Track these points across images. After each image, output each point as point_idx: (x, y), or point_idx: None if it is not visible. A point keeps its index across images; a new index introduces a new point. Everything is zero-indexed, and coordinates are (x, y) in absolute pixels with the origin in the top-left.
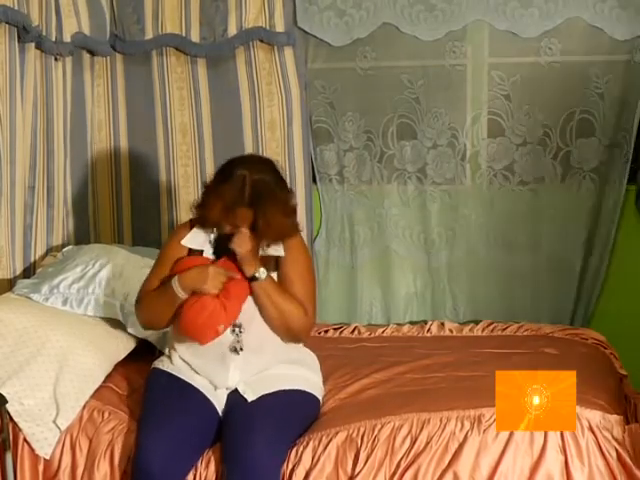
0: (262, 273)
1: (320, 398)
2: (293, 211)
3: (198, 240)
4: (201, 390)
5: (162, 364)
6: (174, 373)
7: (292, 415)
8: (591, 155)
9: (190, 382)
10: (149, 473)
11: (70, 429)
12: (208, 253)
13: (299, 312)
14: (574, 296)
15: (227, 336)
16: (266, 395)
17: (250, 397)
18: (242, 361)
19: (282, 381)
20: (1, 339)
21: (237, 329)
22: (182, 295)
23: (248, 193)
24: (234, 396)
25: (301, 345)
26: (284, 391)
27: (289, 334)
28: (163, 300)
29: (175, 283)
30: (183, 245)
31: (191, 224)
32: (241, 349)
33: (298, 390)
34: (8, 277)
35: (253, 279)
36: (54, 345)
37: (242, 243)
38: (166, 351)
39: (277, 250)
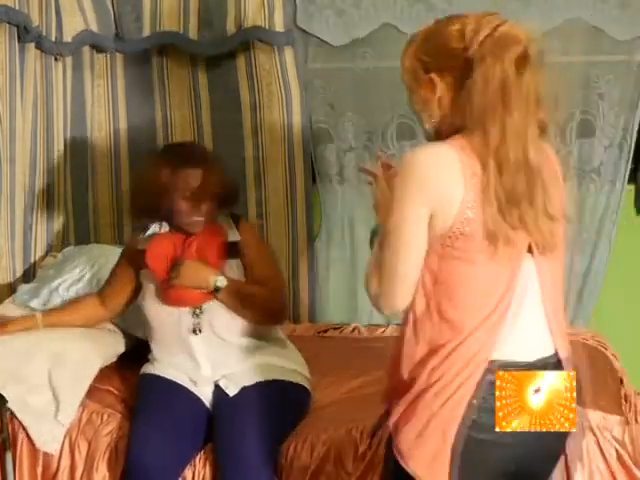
0: (221, 281)
1: (307, 386)
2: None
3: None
4: (185, 386)
5: (146, 368)
6: (158, 374)
7: (277, 406)
8: (591, 155)
9: (173, 379)
10: (143, 468)
11: (69, 431)
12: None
13: (263, 293)
14: (574, 296)
15: (187, 321)
16: (247, 388)
17: (231, 391)
18: (202, 342)
19: (261, 373)
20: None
21: (197, 310)
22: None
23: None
24: (217, 392)
25: (274, 331)
26: (265, 382)
27: (268, 317)
28: None
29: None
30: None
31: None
32: (200, 330)
33: (280, 380)
34: (8, 277)
35: (217, 289)
36: (46, 344)
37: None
38: (149, 356)
39: (234, 235)
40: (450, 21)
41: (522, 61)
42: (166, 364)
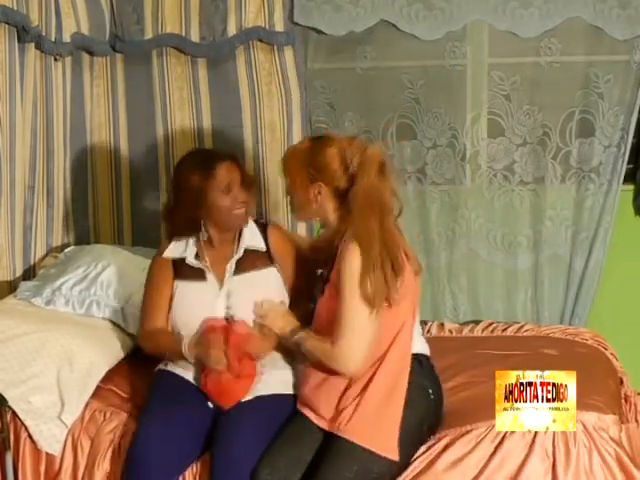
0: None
1: None
2: None
3: (179, 249)
4: (198, 387)
5: (164, 365)
6: (175, 371)
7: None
8: (591, 155)
9: (188, 379)
10: (143, 464)
11: (72, 429)
12: (191, 258)
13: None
14: (574, 296)
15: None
16: (261, 397)
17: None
18: None
19: (282, 385)
20: (5, 340)
21: (230, 318)
22: (190, 359)
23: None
24: None
25: None
26: (282, 395)
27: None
28: (169, 351)
29: (185, 348)
30: (166, 258)
31: (169, 239)
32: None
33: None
34: (8, 277)
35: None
36: (54, 345)
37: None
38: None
39: (259, 242)
40: (327, 142)
41: (381, 170)
42: (187, 364)
